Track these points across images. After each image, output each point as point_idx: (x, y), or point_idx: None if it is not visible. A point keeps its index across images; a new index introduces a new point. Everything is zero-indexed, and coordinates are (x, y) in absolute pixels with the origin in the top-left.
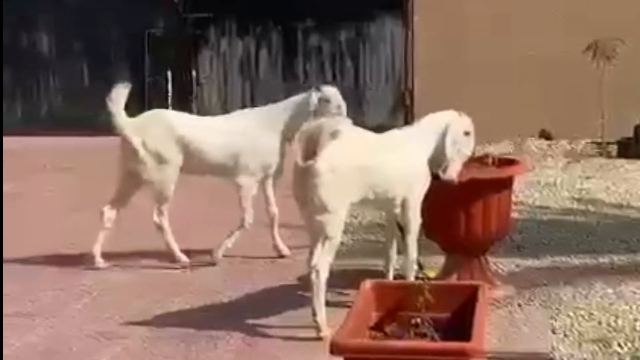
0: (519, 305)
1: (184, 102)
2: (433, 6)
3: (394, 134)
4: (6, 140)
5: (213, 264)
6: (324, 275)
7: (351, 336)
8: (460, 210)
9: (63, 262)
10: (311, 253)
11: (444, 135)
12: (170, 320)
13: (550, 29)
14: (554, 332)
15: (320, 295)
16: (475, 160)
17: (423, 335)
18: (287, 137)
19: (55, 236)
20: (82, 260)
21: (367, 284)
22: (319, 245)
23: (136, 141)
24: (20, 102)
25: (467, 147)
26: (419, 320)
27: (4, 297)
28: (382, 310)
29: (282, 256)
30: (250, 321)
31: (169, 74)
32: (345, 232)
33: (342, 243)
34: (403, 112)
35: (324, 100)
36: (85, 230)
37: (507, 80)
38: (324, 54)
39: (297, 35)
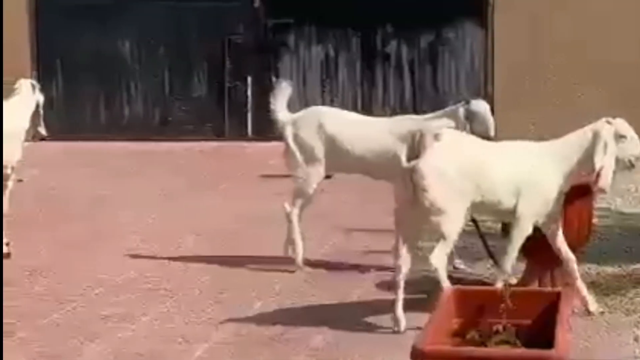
0: (602, 312)
1: (263, 107)
2: (513, 10)
3: (514, 145)
4: (91, 145)
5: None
6: (443, 273)
7: (432, 342)
8: None
9: (144, 265)
10: (396, 252)
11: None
12: (252, 323)
13: (631, 31)
14: (637, 340)
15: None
16: None
17: (505, 342)
18: None
19: (140, 239)
20: (163, 262)
21: (448, 289)
22: (437, 245)
23: (290, 136)
24: (103, 107)
25: (627, 151)
26: (500, 327)
27: (87, 301)
28: (463, 317)
29: None
30: (333, 324)
31: (249, 79)
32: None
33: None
34: None
35: (471, 114)
36: (166, 233)
37: (587, 83)
38: (403, 59)
39: (376, 40)
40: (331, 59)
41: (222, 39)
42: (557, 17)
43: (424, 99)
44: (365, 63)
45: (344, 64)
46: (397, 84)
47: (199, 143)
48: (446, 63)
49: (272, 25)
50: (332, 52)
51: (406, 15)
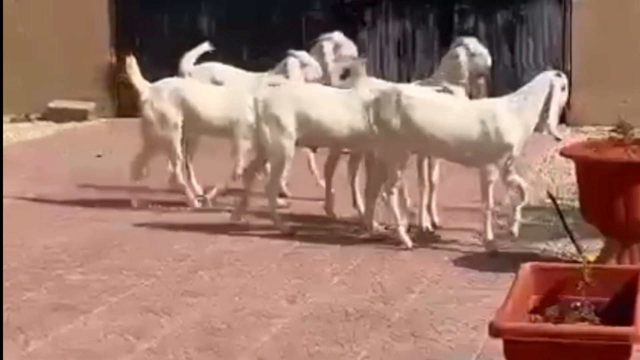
0: None
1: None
2: None
3: None
4: None
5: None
6: None
7: (510, 319)
8: (620, 193)
9: (223, 241)
10: None
11: None
12: (327, 300)
13: None
14: None
15: None
16: (633, 143)
17: (582, 319)
18: None
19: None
20: (244, 238)
21: (527, 266)
22: None
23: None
24: None
25: None
26: (578, 304)
27: (166, 276)
28: (541, 293)
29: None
30: (404, 300)
31: None
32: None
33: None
34: None
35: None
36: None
37: None
38: (480, 36)
39: (453, 17)
40: (408, 35)
41: (300, 16)
42: None
43: (501, 76)
44: (442, 39)
45: (421, 40)
46: None
47: None
48: (524, 40)
49: (350, 2)
50: (409, 29)
51: None
